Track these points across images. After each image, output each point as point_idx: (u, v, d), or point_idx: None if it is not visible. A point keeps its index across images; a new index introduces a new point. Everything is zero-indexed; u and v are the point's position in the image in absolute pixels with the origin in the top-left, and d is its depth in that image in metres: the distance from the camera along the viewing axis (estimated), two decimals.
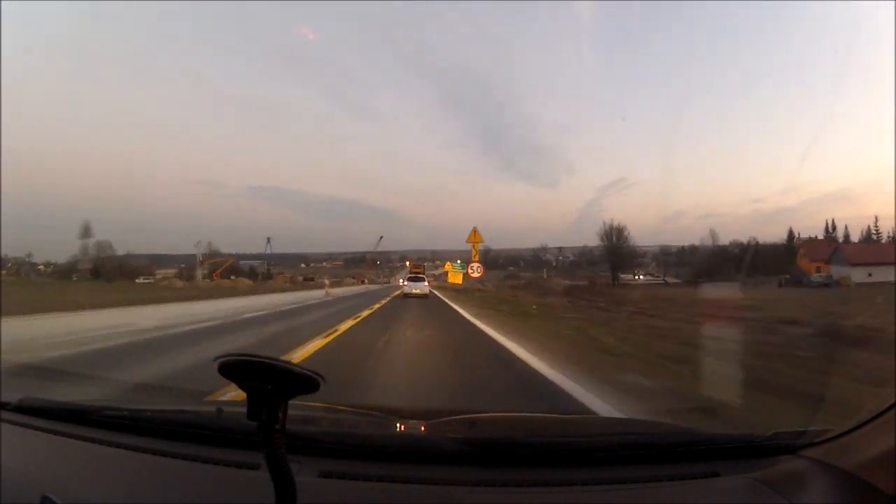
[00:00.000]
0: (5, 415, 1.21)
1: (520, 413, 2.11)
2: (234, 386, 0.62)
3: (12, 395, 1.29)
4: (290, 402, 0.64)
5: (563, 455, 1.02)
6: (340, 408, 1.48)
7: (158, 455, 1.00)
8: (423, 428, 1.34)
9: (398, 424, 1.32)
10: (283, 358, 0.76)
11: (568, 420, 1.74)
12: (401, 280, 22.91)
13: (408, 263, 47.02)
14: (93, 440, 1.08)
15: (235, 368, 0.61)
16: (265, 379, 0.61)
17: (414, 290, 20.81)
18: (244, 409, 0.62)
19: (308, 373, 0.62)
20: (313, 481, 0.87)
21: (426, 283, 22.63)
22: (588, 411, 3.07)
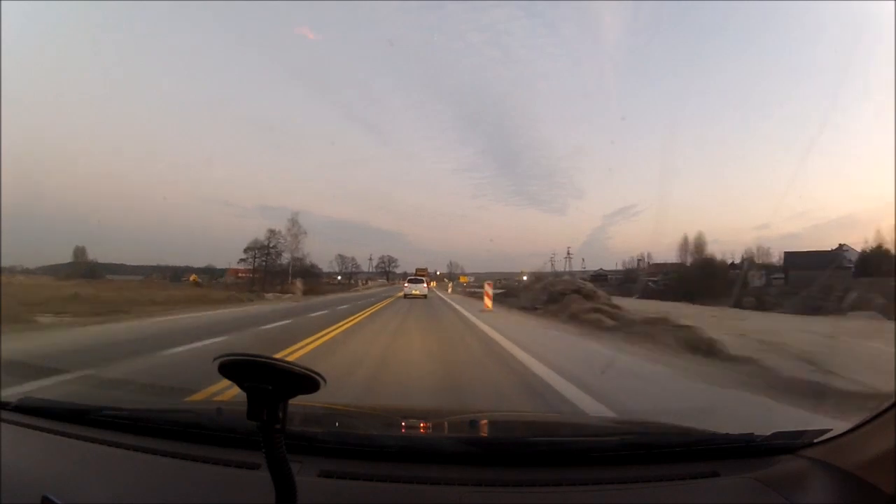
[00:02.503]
0: (5, 415, 1.21)
1: (520, 413, 2.11)
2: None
3: (12, 395, 1.29)
4: (290, 401, 0.64)
5: (564, 455, 1.02)
6: (341, 407, 1.48)
7: (158, 455, 1.00)
8: (423, 428, 1.34)
9: (398, 424, 1.32)
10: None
11: (568, 420, 1.74)
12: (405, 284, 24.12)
13: (416, 270, 47.44)
14: (93, 440, 1.08)
15: (236, 368, 0.61)
16: (265, 379, 0.61)
17: (413, 291, 21.85)
18: (244, 409, 0.62)
19: (308, 372, 0.62)
20: (313, 481, 0.87)
21: (426, 285, 23.53)
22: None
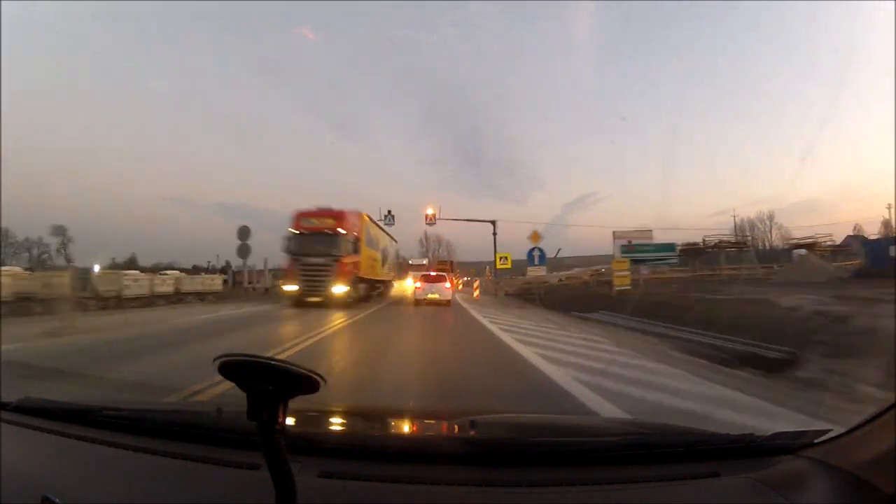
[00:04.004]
0: (5, 415, 1.21)
1: (520, 413, 2.11)
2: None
3: (12, 395, 1.29)
4: (290, 402, 0.64)
5: (564, 455, 1.02)
6: (341, 408, 1.48)
7: (158, 455, 1.00)
8: (423, 428, 1.34)
9: (399, 424, 1.32)
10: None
11: (568, 420, 1.74)
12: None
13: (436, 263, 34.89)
14: (93, 440, 1.08)
15: (236, 368, 0.61)
16: (265, 379, 0.61)
17: (429, 295, 14.43)
18: (244, 410, 0.62)
19: (308, 373, 0.62)
20: (313, 481, 0.87)
21: (449, 285, 15.26)
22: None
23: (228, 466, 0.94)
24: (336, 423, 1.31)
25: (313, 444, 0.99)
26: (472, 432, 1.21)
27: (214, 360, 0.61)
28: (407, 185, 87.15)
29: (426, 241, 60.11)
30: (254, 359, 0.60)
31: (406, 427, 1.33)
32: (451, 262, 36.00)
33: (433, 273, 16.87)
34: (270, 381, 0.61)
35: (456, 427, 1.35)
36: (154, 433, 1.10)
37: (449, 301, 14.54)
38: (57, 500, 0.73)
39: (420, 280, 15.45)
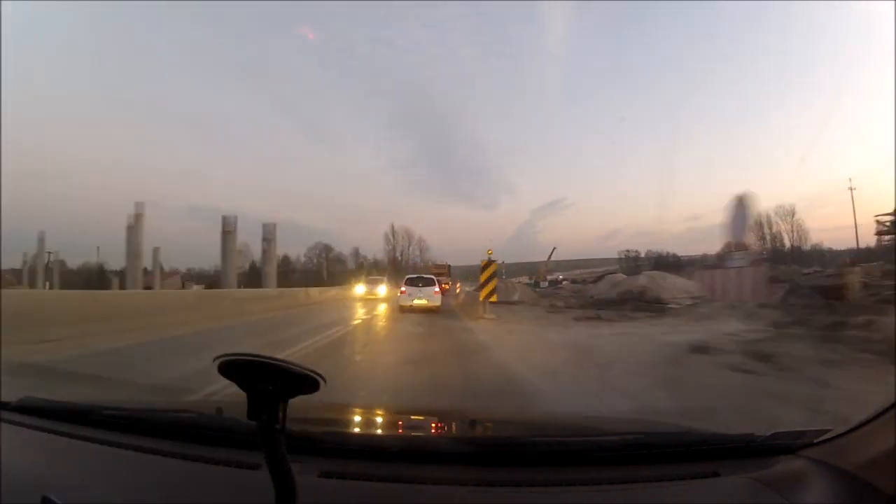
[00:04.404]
0: (5, 415, 1.21)
1: (520, 412, 2.11)
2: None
3: (12, 395, 1.29)
4: (291, 401, 0.64)
5: (564, 455, 1.02)
6: (341, 408, 1.48)
7: (158, 455, 1.00)
8: (423, 428, 1.34)
9: (399, 424, 1.32)
10: None
11: (568, 420, 1.74)
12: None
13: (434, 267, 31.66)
14: (93, 440, 1.08)
15: (236, 368, 0.61)
16: (265, 379, 0.61)
17: (413, 302, 12.95)
18: (244, 409, 0.62)
19: (308, 372, 0.62)
20: (314, 481, 0.87)
21: (437, 289, 13.56)
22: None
23: (228, 466, 0.94)
24: (336, 423, 1.31)
25: (313, 444, 0.99)
26: (472, 432, 1.21)
27: (214, 359, 0.61)
28: (374, 188, 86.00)
29: (392, 236, 49.49)
30: (254, 358, 0.60)
31: (406, 427, 1.33)
32: (448, 267, 33.22)
33: (422, 276, 14.63)
34: (270, 381, 0.61)
35: (456, 427, 1.35)
36: (154, 433, 1.10)
37: (438, 307, 12.93)
38: (57, 500, 0.73)
39: (405, 284, 13.63)
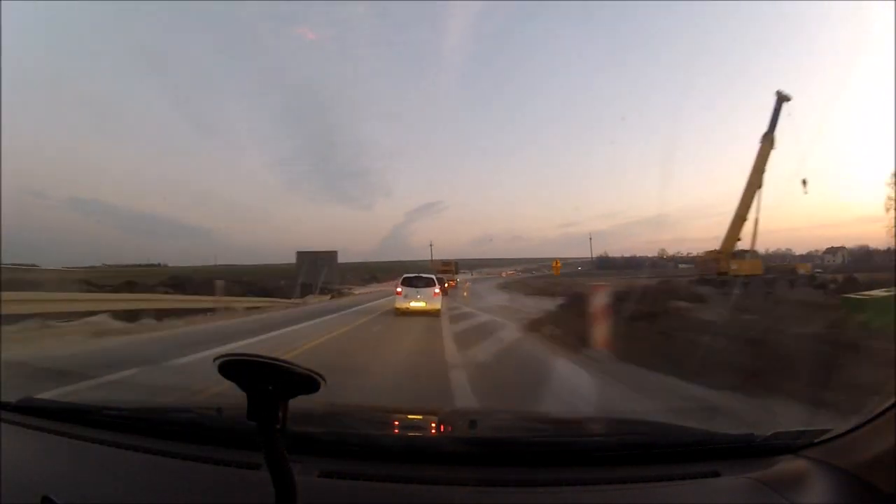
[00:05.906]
0: (5, 415, 1.21)
1: (520, 412, 2.11)
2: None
3: (12, 395, 1.29)
4: (291, 401, 0.64)
5: (564, 455, 1.02)
6: (340, 407, 1.48)
7: (159, 455, 1.00)
8: (423, 428, 1.34)
9: (399, 424, 1.32)
10: None
11: (568, 420, 1.74)
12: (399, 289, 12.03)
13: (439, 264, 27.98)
14: (93, 440, 1.08)
15: (235, 368, 0.61)
16: (265, 379, 0.61)
17: (410, 304, 11.77)
18: (244, 409, 0.62)
19: (308, 372, 0.62)
20: (314, 481, 0.87)
21: (436, 290, 12.19)
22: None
23: (228, 466, 0.94)
24: (336, 423, 1.31)
25: (313, 444, 0.99)
26: (472, 432, 1.21)
27: (215, 359, 0.61)
28: (255, 183, 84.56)
29: None
30: (254, 358, 0.60)
31: (406, 427, 1.33)
32: (455, 263, 30.41)
33: (421, 275, 12.80)
34: (270, 381, 0.61)
35: (456, 427, 1.35)
36: (154, 433, 1.10)
37: (438, 310, 11.69)
38: (57, 500, 0.73)
39: (401, 284, 12.21)
